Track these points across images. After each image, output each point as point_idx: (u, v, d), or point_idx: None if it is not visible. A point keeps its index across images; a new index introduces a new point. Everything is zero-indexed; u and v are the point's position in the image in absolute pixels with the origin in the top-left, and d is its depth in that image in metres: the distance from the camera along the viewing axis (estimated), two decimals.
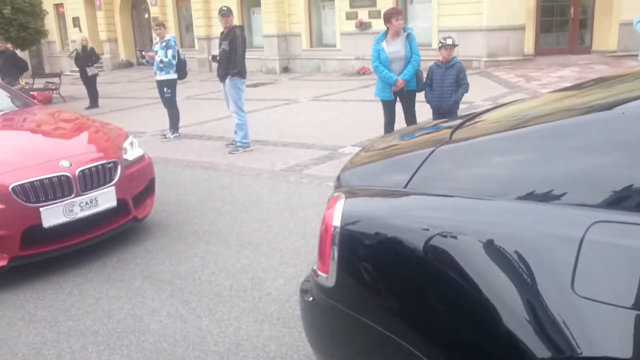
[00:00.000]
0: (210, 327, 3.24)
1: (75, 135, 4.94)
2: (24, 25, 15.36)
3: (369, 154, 2.21)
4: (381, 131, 7.87)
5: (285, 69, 19.52)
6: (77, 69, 15.03)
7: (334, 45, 18.50)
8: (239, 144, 7.90)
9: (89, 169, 4.24)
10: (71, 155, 4.29)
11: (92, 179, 4.24)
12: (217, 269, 4.03)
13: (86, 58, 14.29)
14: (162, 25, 9.20)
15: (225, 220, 5.07)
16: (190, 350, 3.02)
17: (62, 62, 27.91)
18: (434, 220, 1.55)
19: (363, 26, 17.13)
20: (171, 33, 9.20)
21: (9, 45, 13.95)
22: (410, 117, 6.48)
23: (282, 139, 8.52)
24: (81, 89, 16.34)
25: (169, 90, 9.08)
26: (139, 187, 4.78)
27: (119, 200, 4.41)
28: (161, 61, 8.88)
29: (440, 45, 5.94)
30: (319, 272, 1.88)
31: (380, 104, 6.90)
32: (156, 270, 4.09)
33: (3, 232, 3.83)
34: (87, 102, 14.36)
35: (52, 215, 3.98)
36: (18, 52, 15.69)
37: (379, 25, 16.58)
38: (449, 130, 1.90)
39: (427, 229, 1.52)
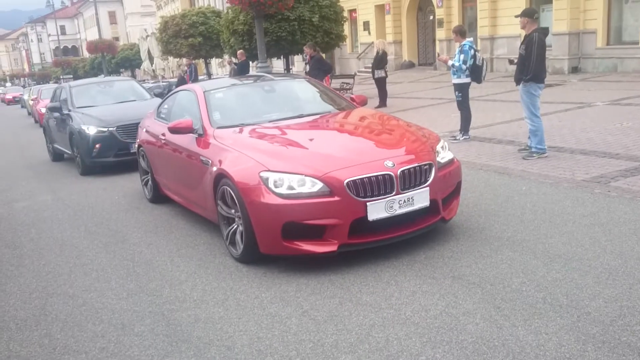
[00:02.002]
0: (528, 338, 3.25)
1: (396, 137, 5.21)
2: (328, 31, 17.07)
3: None
4: None
5: (575, 69, 18.22)
6: (364, 69, 16.13)
7: (636, 42, 16.66)
8: (533, 149, 7.66)
9: (409, 169, 4.52)
10: (393, 155, 4.63)
11: (411, 179, 4.52)
12: (526, 279, 4.00)
13: (376, 62, 15.26)
14: (457, 32, 9.37)
15: (528, 229, 4.99)
16: (510, 358, 3.07)
17: (351, 63, 30.31)
18: None
19: None
20: (469, 38, 9.25)
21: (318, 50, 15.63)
22: None
23: (580, 146, 8.01)
24: (369, 89, 17.56)
25: (460, 94, 9.24)
26: (449, 189, 4.97)
27: (431, 201, 4.64)
28: (452, 65, 9.10)
29: None
30: None
31: None
32: (464, 272, 4.22)
33: (336, 221, 4.31)
34: (376, 102, 15.34)
35: (376, 210, 4.36)
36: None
37: None
38: None
39: None
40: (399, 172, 4.45)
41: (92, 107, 10.48)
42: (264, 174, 4.45)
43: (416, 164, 4.59)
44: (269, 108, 6.11)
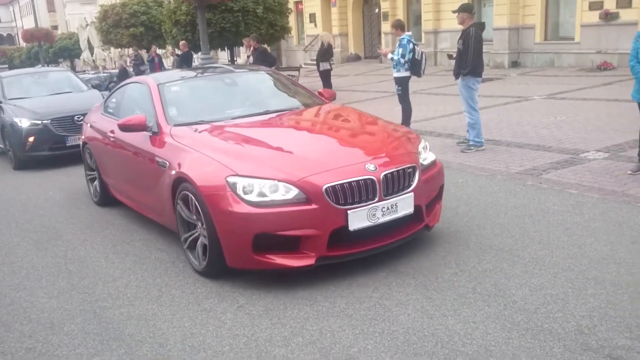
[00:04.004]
0: (457, 327, 3.34)
1: (376, 137, 4.82)
2: (273, 23, 16.97)
3: None
4: (630, 136, 7.22)
5: (515, 64, 18.75)
6: (311, 62, 16.16)
7: (572, 38, 17.26)
8: (471, 142, 7.86)
9: (392, 173, 4.11)
10: (375, 158, 4.20)
11: (394, 183, 4.13)
12: (458, 270, 4.11)
13: (321, 54, 15.25)
14: (395, 26, 9.50)
15: (462, 221, 5.11)
16: (439, 347, 3.15)
17: (298, 55, 30.26)
18: None
19: (609, 17, 15.68)
20: (408, 32, 9.39)
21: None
22: None
23: (516, 139, 8.26)
24: (315, 81, 17.54)
25: (400, 88, 9.38)
26: (432, 193, 4.60)
27: (415, 207, 4.26)
28: (392, 59, 9.22)
29: None
30: None
31: (631, 106, 6.34)
32: (400, 263, 4.29)
33: (314, 232, 3.89)
34: None
35: (358, 218, 3.95)
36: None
37: (628, 15, 15.10)
38: None
39: None
40: (381, 176, 4.04)
41: (25, 98, 10.09)
42: (232, 179, 3.97)
43: (400, 167, 4.19)
44: (231, 103, 5.64)
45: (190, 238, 4.44)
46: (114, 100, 6.53)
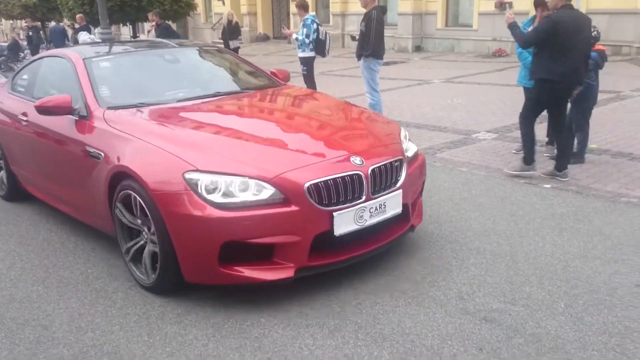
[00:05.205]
0: (349, 298, 3.45)
1: (354, 126, 4.27)
2: None
3: None
4: (516, 118, 7.65)
5: (418, 48, 19.34)
6: (219, 40, 15.88)
7: (470, 26, 18.04)
8: None
9: (379, 167, 3.57)
10: (359, 150, 3.65)
11: (382, 179, 3.59)
12: None
13: (230, 32, 15.01)
14: (298, 6, 9.53)
15: None
16: (330, 318, 3.25)
17: (205, 33, 29.60)
18: None
19: (503, 6, 16.50)
20: (311, 12, 9.45)
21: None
22: None
23: (415, 120, 8.56)
24: None
25: (304, 68, 9.45)
26: (417, 190, 4.12)
27: (403, 206, 3.76)
28: (296, 39, 9.27)
29: None
30: None
31: (519, 90, 6.72)
32: None
33: (294, 238, 3.31)
34: None
35: (344, 221, 3.39)
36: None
37: (520, 5, 15.93)
38: None
39: None
40: (369, 171, 3.50)
41: None
42: (191, 175, 3.29)
43: (387, 160, 3.65)
44: (174, 83, 4.87)
45: (134, 248, 3.75)
46: (25, 77, 5.54)
